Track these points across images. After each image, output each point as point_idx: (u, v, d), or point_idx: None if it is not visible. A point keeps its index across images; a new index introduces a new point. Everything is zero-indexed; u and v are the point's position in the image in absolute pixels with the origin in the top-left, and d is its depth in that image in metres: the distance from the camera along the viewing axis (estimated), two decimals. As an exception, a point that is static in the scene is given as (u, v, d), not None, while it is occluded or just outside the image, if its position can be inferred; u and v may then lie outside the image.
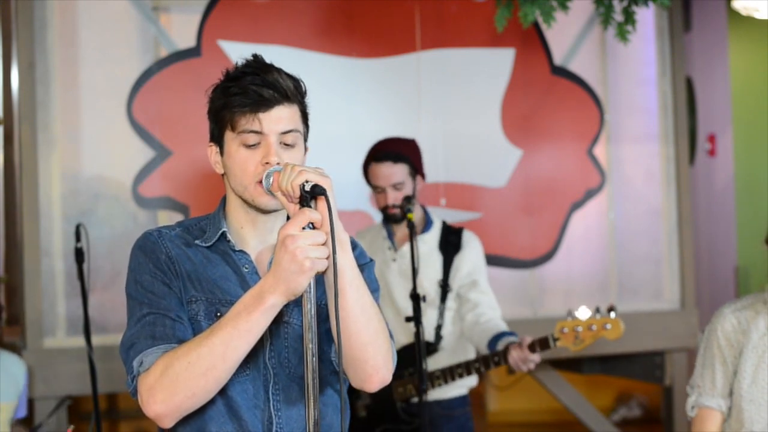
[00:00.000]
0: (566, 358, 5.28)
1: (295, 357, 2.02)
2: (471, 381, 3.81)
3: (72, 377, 4.40)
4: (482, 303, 3.73)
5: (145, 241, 2.05)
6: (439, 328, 3.76)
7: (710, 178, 6.30)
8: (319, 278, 1.92)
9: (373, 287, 2.12)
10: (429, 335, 3.75)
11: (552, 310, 5.17)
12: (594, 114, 5.33)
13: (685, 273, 5.41)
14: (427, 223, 3.83)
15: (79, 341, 4.20)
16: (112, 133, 4.64)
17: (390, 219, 3.76)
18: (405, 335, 3.76)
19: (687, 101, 5.56)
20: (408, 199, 3.63)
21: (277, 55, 4.75)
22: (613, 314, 3.52)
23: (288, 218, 2.11)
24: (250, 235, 2.08)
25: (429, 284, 3.77)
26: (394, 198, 3.69)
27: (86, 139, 4.60)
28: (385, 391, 3.68)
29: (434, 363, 3.74)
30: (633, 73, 5.44)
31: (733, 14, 5.81)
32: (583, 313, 3.55)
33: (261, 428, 1.99)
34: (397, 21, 5.02)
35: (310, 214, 1.82)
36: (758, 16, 5.21)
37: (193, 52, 4.73)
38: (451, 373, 3.65)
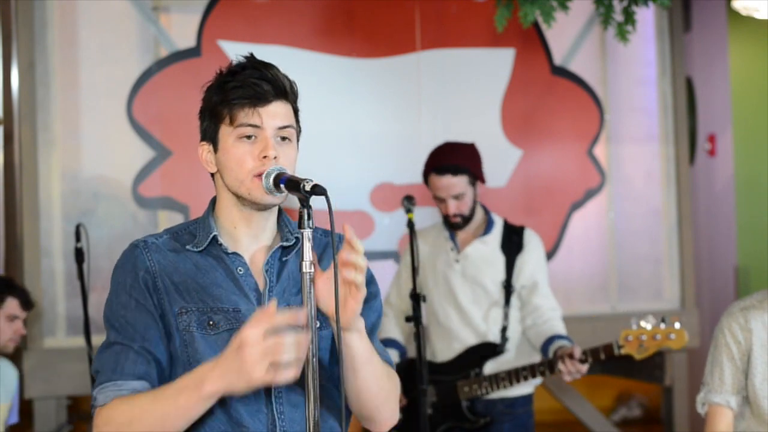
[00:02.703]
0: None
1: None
2: (536, 380, 3.84)
3: (72, 377, 4.40)
4: (542, 306, 3.78)
5: (128, 256, 2.05)
6: (504, 329, 3.78)
7: (710, 178, 6.30)
8: (324, 320, 1.98)
9: (377, 315, 2.14)
10: (495, 337, 3.79)
11: (552, 310, 5.16)
12: (594, 114, 5.32)
13: (685, 273, 5.41)
14: (489, 224, 3.85)
15: (79, 341, 4.21)
16: (112, 133, 4.64)
17: (453, 227, 3.79)
18: (473, 337, 3.79)
19: (687, 101, 5.55)
20: (409, 199, 3.64)
21: (277, 55, 4.80)
22: (678, 324, 3.58)
23: (279, 212, 2.11)
24: (243, 234, 2.06)
25: (492, 285, 3.79)
26: (455, 208, 3.72)
27: (86, 139, 4.60)
28: (451, 390, 3.76)
29: (501, 365, 3.78)
30: (633, 73, 5.44)
31: (733, 14, 5.80)
32: (649, 322, 3.60)
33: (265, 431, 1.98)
34: (397, 21, 5.02)
35: (271, 317, 1.79)
36: (758, 16, 5.21)
37: (193, 52, 4.73)
38: (516, 375, 3.69)
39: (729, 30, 6.03)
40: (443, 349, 3.84)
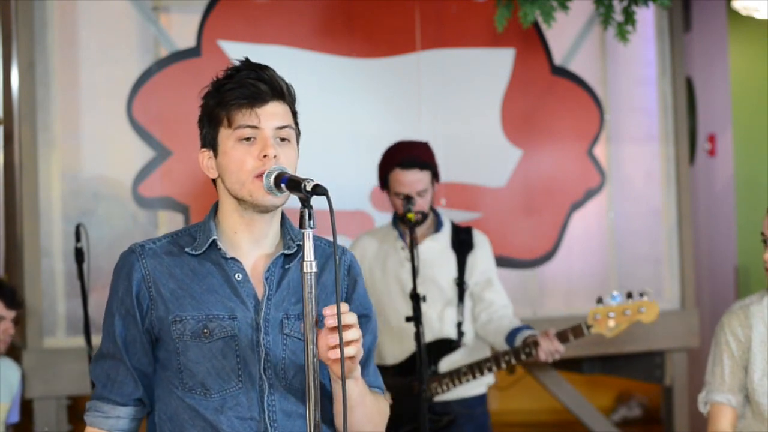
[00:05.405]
0: (566, 358, 5.28)
1: (293, 368, 2.01)
2: (489, 379, 3.83)
3: (72, 377, 4.39)
4: (496, 302, 3.79)
5: (124, 263, 2.06)
6: (459, 325, 3.77)
7: (710, 178, 6.30)
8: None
9: (373, 337, 2.14)
10: (451, 333, 3.77)
11: (552, 310, 5.17)
12: (594, 114, 5.32)
13: (685, 273, 5.41)
14: (438, 224, 3.85)
15: (79, 341, 4.20)
16: (112, 133, 4.64)
17: (410, 224, 3.76)
18: (425, 335, 3.76)
19: (687, 101, 5.55)
20: (408, 200, 3.64)
21: (277, 55, 4.80)
22: (646, 297, 3.55)
23: (283, 219, 2.10)
24: (244, 239, 2.05)
25: (446, 283, 3.79)
26: (418, 205, 3.68)
27: (86, 139, 4.60)
28: (408, 391, 3.70)
29: (456, 361, 3.76)
30: (633, 73, 5.44)
31: (733, 14, 5.80)
32: (616, 298, 3.58)
33: None
34: (397, 21, 5.02)
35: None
36: (758, 16, 5.21)
37: (193, 52, 4.72)
38: (479, 368, 3.68)
39: (729, 30, 6.04)
40: (394, 352, 3.78)
